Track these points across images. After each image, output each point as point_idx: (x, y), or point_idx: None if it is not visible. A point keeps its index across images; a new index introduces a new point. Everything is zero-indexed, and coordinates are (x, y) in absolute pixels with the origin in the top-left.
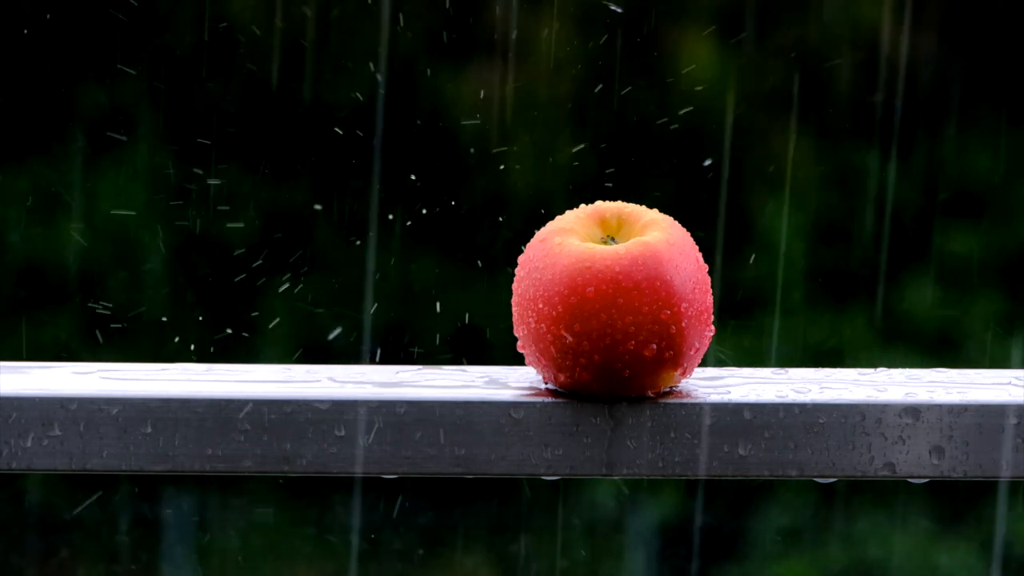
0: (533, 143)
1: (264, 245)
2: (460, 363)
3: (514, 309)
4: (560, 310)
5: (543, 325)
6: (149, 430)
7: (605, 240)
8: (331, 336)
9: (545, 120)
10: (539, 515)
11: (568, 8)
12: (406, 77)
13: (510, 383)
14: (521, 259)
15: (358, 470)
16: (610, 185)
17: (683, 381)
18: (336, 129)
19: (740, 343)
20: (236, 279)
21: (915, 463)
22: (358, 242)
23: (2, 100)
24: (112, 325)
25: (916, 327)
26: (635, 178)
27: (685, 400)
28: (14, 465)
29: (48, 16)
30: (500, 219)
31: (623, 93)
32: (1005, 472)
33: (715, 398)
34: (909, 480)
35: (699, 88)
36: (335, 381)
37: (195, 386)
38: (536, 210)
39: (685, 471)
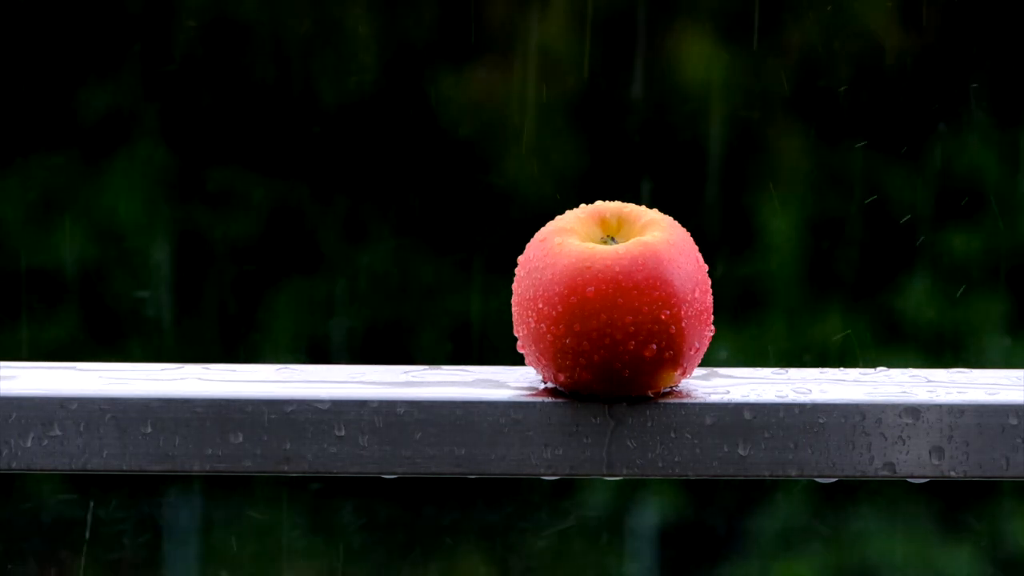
0: (532, 143)
1: (264, 245)
2: (460, 363)
3: (514, 309)
4: (560, 310)
5: (543, 325)
6: (149, 430)
7: (605, 240)
8: (331, 336)
9: (544, 120)
10: (539, 515)
11: (568, 7)
12: (406, 76)
13: (510, 383)
14: (521, 259)
15: (358, 470)
16: (609, 185)
17: (683, 381)
18: (336, 129)
19: (740, 343)
20: (236, 279)
21: (915, 463)
22: (358, 242)
23: (2, 100)
24: (112, 325)
25: (916, 327)
26: (635, 177)
27: (685, 400)
28: (14, 465)
29: (48, 16)
30: (500, 219)
31: (623, 92)
32: (1005, 472)
33: (715, 398)
34: (909, 480)
35: (698, 87)
36: (335, 381)
37: (195, 386)
38: (536, 210)
39: (685, 471)
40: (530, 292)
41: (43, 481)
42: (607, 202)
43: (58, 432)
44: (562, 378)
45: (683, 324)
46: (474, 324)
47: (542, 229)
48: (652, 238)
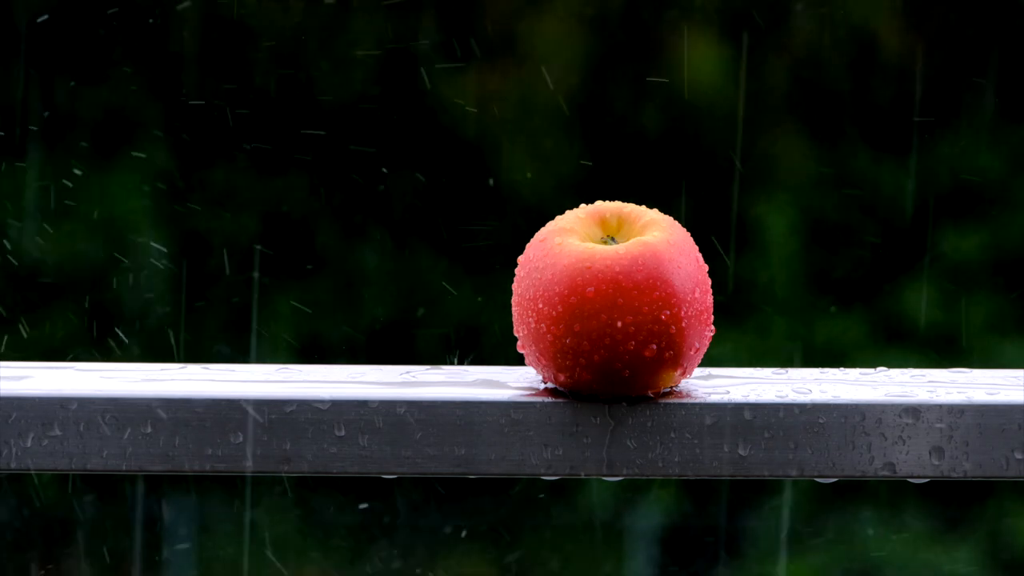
0: (533, 143)
1: (264, 244)
2: (460, 363)
3: (514, 309)
4: (560, 310)
5: (543, 325)
6: (149, 430)
7: (605, 240)
8: (331, 336)
9: (545, 120)
10: (539, 515)
11: (569, 8)
12: (406, 77)
13: (510, 383)
14: (521, 259)
15: (358, 470)
16: (609, 185)
17: (683, 381)
18: (336, 129)
19: (740, 343)
20: (236, 279)
21: (915, 463)
22: (358, 242)
23: (3, 100)
24: (112, 325)
25: (916, 327)
26: (635, 178)
27: (685, 400)
28: (14, 465)
29: (50, 15)
30: (500, 219)
31: (623, 93)
32: (1005, 472)
33: (715, 398)
34: (909, 480)
35: (699, 88)
36: (335, 381)
37: (195, 386)
38: (536, 210)
39: (685, 471)
40: (530, 292)
41: (43, 481)
42: (607, 202)
43: (58, 432)
44: (562, 378)
45: (683, 324)
46: (474, 324)
47: (542, 229)
48: (652, 238)
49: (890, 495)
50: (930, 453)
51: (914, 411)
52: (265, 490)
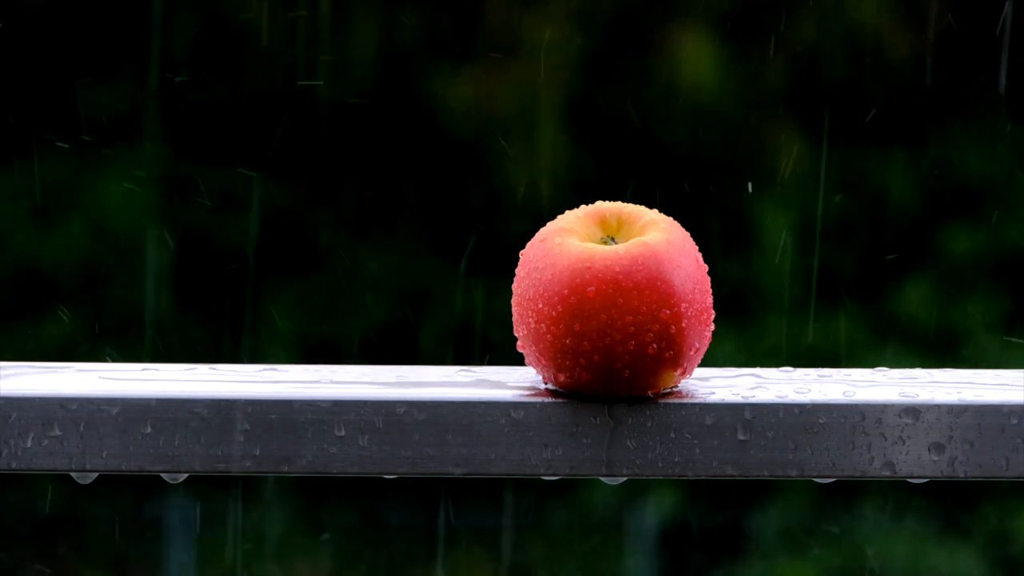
0: (532, 143)
1: (264, 245)
2: (460, 363)
3: (514, 309)
4: (560, 310)
5: (543, 325)
6: (149, 430)
7: (605, 240)
8: (331, 336)
9: (544, 120)
10: (538, 515)
11: (567, 8)
12: (405, 77)
13: (510, 383)
14: (521, 259)
15: (358, 470)
16: (609, 185)
17: (683, 381)
18: (335, 129)
19: (740, 343)
20: (236, 279)
21: (915, 463)
22: (358, 242)
23: (2, 100)
24: (112, 325)
25: (915, 327)
26: (634, 177)
27: (685, 400)
28: (14, 465)
29: (48, 16)
30: (499, 220)
31: (622, 93)
32: (1005, 472)
33: (715, 398)
34: (909, 480)
35: (698, 87)
36: (335, 381)
37: (195, 386)
38: (535, 210)
39: (685, 471)
40: (530, 292)
41: (43, 480)
42: (607, 202)
43: (58, 432)
44: (562, 378)
45: (683, 324)
46: (474, 324)
47: (542, 229)
48: (652, 238)
49: (890, 495)
50: (930, 453)
51: (914, 411)
52: (264, 490)
